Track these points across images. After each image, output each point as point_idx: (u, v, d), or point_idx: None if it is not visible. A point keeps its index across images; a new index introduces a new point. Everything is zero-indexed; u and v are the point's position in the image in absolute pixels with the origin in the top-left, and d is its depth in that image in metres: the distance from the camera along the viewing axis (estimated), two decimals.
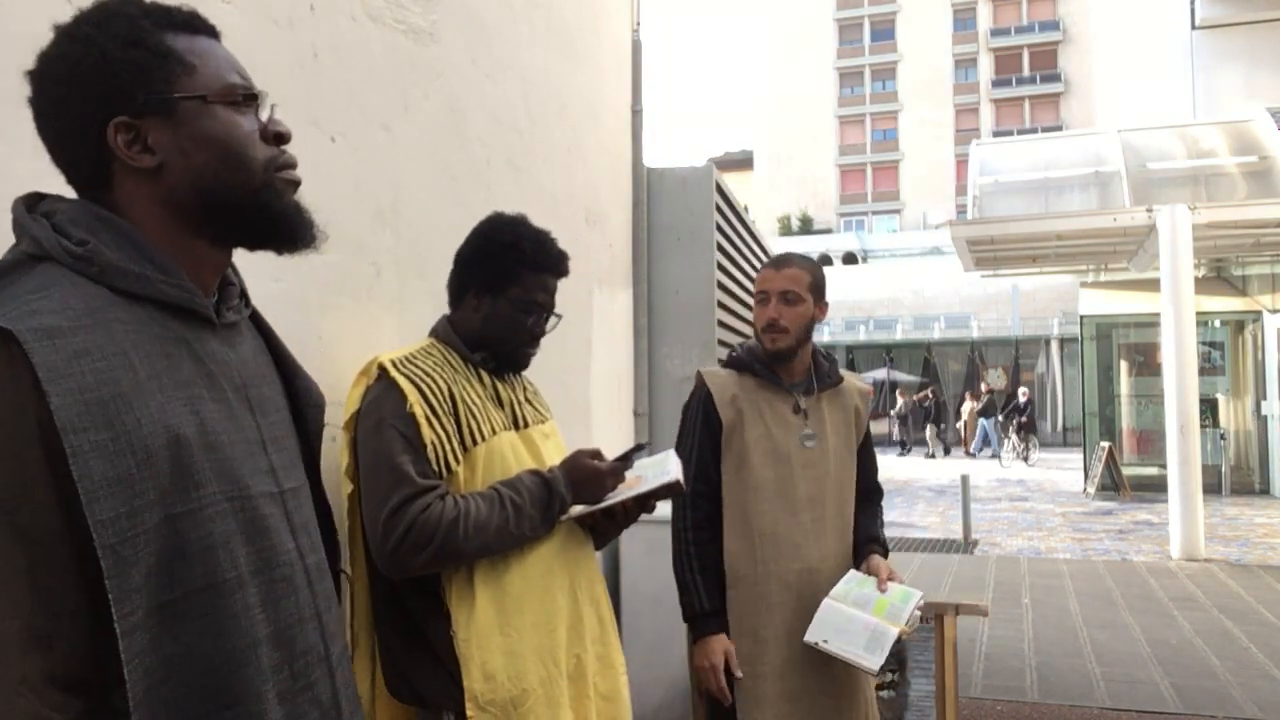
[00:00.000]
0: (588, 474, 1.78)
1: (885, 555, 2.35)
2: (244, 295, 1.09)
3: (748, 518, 2.23)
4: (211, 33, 1.01)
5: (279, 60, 1.73)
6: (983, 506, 12.16)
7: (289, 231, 1.01)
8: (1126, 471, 13.38)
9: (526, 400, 1.93)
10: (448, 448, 1.69)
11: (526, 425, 1.87)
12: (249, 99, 1.00)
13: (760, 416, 2.30)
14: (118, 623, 0.82)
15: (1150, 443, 13.86)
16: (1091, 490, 13.39)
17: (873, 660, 2.07)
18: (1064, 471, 16.66)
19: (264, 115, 1.01)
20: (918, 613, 2.21)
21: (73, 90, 0.93)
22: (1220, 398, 14.09)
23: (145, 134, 0.93)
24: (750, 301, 4.95)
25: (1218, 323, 14.13)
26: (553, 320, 1.92)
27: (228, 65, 1.00)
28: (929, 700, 3.17)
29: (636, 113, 4.24)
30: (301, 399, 1.14)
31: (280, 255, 1.03)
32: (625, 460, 1.85)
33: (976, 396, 22.42)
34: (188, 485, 0.89)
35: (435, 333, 1.88)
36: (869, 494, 2.46)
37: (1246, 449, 13.96)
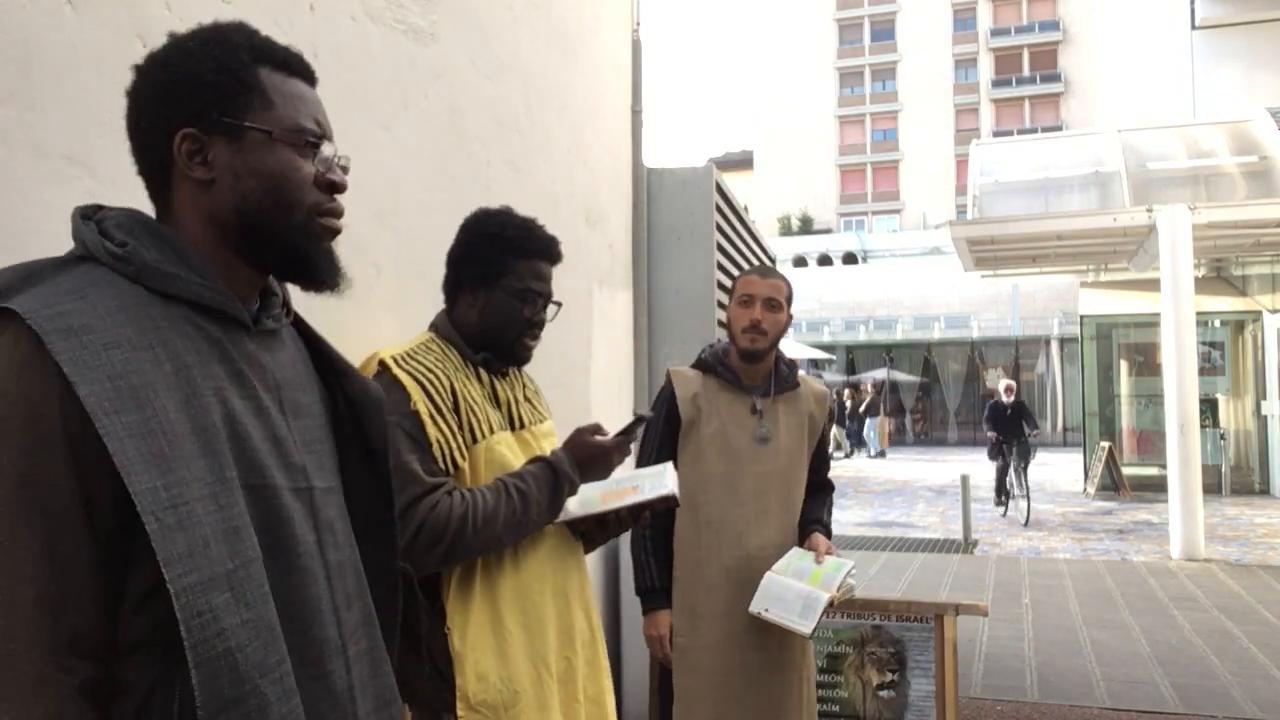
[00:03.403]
0: (592, 452, 1.76)
1: (828, 536, 2.57)
2: (286, 306, 1.15)
3: (696, 506, 2.43)
4: (307, 78, 1.10)
5: None
6: (983, 506, 12.17)
7: (313, 273, 1.09)
8: (1126, 471, 13.39)
9: (525, 399, 1.90)
10: (453, 444, 1.67)
11: (524, 425, 1.84)
12: (313, 145, 1.07)
13: (717, 414, 2.50)
14: (171, 583, 0.87)
15: (1150, 443, 13.88)
16: (1091, 490, 13.39)
17: (805, 624, 2.26)
18: (1056, 470, 16.67)
19: (327, 163, 1.09)
20: (851, 580, 2.40)
21: (158, 94, 1.02)
22: (1220, 398, 14.09)
23: (208, 150, 1.01)
24: None
25: (1218, 323, 14.14)
26: (552, 309, 1.86)
27: (307, 110, 1.07)
28: (929, 700, 3.17)
29: (636, 113, 4.24)
30: (359, 397, 1.21)
31: (304, 292, 1.10)
32: (628, 434, 1.82)
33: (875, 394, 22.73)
34: (220, 467, 0.95)
35: (435, 327, 1.84)
36: (820, 487, 2.68)
37: (1246, 449, 13.96)
